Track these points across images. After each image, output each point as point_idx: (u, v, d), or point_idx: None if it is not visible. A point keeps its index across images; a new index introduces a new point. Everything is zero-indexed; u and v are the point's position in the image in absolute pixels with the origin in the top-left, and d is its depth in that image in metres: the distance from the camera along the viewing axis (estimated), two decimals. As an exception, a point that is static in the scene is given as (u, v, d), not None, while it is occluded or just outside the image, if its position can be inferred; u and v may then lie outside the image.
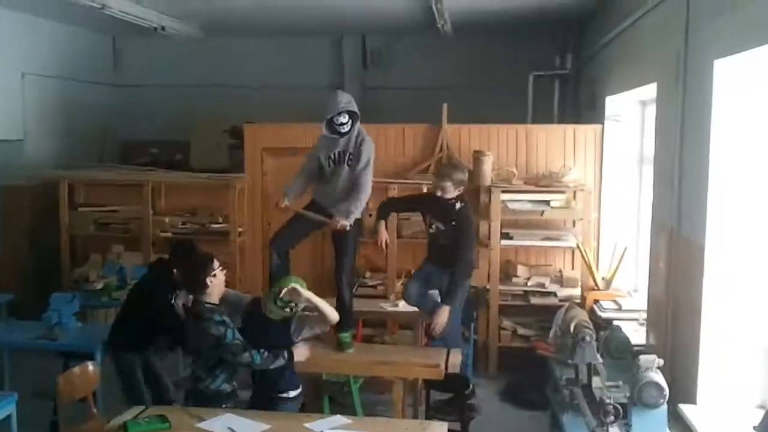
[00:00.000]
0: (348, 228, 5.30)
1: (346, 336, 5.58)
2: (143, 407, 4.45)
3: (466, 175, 5.85)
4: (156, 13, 8.11)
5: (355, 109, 5.47)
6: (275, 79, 10.32)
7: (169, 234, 8.18)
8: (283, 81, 10.22)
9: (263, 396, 4.64)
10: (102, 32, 10.46)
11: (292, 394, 4.67)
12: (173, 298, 5.41)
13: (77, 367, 5.09)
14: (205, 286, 4.47)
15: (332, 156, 5.51)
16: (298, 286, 4.56)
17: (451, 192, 5.64)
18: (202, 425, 4.11)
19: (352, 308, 5.65)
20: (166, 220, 8.18)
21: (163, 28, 8.34)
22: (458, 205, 5.68)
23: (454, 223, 5.66)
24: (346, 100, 5.46)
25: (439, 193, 5.65)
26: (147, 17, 7.94)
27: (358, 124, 5.49)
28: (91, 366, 5.14)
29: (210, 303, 4.49)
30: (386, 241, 5.92)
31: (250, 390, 4.78)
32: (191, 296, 4.73)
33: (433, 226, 5.80)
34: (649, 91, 6.00)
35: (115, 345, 5.45)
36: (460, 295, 5.70)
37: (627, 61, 6.76)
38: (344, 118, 5.41)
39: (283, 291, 4.55)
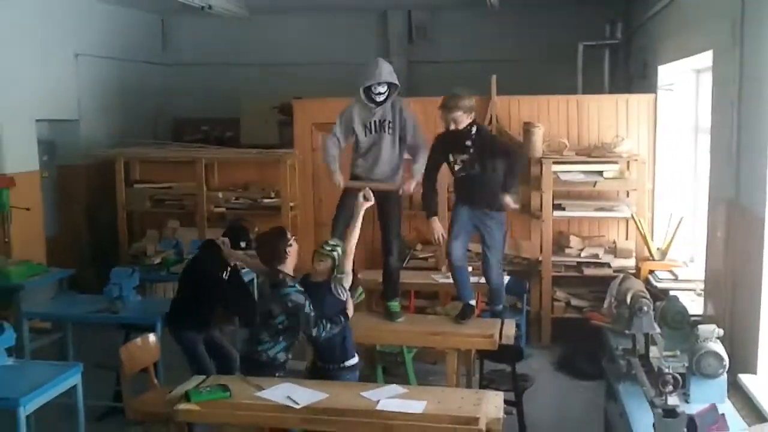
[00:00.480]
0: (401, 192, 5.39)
1: (395, 305, 5.61)
2: (204, 377, 4.55)
3: (474, 99, 5.46)
4: (203, -9, 8.18)
5: (395, 80, 5.43)
6: (321, 56, 10.32)
7: (222, 209, 8.28)
8: (330, 57, 10.21)
9: (322, 367, 4.70)
10: (151, 12, 10.57)
11: (350, 362, 4.72)
12: (223, 274, 5.52)
13: (138, 338, 5.22)
14: (285, 255, 4.58)
15: (368, 125, 5.47)
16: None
17: (464, 121, 5.31)
18: (261, 394, 4.19)
19: (399, 276, 5.68)
20: (220, 195, 8.28)
21: (209, 7, 8.38)
22: (474, 129, 5.37)
23: (477, 147, 5.34)
24: (387, 70, 5.41)
25: (452, 127, 5.34)
26: (195, -5, 8.01)
27: (395, 95, 5.46)
28: (151, 338, 5.26)
29: (289, 274, 4.61)
30: (443, 235, 5.61)
31: (302, 361, 4.86)
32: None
33: (458, 161, 5.44)
34: (704, 59, 5.87)
35: (174, 324, 5.55)
36: (516, 183, 5.60)
37: (680, 29, 6.61)
38: (383, 88, 5.38)
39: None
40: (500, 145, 5.70)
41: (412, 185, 5.46)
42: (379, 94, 5.39)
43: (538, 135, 7.36)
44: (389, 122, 5.45)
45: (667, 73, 7.24)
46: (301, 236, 8.05)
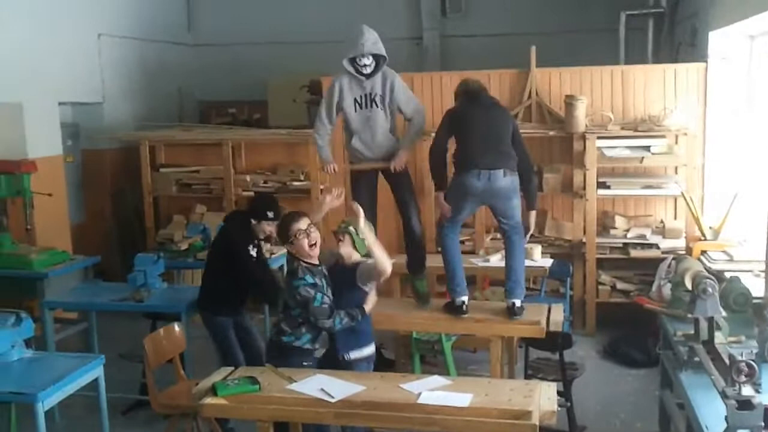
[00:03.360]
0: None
1: (422, 284, 5.34)
2: (232, 368, 4.28)
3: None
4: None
5: (382, 51, 5.15)
6: (350, 32, 9.98)
7: (251, 193, 8.02)
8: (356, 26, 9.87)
9: (334, 356, 4.45)
10: (176, -9, 10.34)
11: (366, 352, 4.47)
12: (252, 249, 5.21)
13: (163, 328, 4.99)
14: (292, 239, 4.28)
15: (359, 99, 5.22)
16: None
17: None
18: (292, 387, 3.93)
19: (424, 244, 5.41)
20: (248, 178, 8.02)
21: (237, -18, 8.11)
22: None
23: None
24: (372, 40, 5.12)
25: None
26: (220, -30, 7.73)
27: (384, 66, 5.19)
28: (177, 328, 5.04)
29: (307, 262, 4.31)
30: (450, 210, 5.17)
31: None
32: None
33: None
34: (760, 22, 5.45)
35: (204, 308, 5.28)
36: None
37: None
38: (368, 60, 5.11)
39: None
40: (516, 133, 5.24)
41: (401, 161, 5.22)
42: (365, 66, 5.13)
43: (581, 108, 6.97)
44: (380, 95, 5.21)
45: (719, 39, 6.80)
46: (332, 220, 7.75)
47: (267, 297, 5.23)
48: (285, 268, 4.76)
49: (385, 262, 4.38)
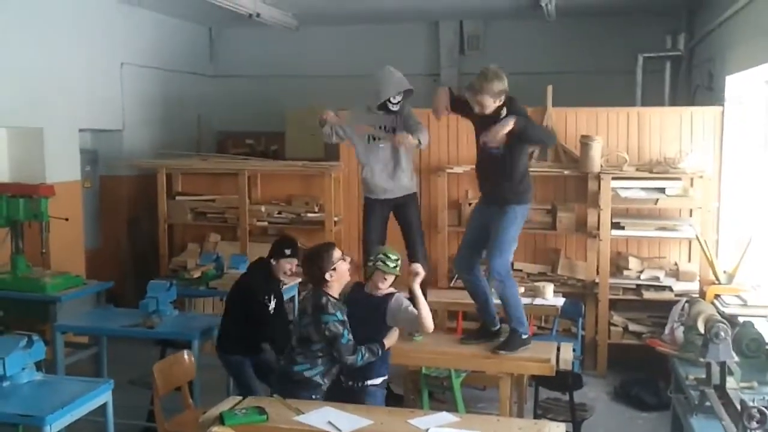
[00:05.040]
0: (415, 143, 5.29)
1: None
2: (240, 398, 4.27)
3: (505, 82, 4.72)
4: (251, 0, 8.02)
5: (409, 86, 5.34)
6: (370, 68, 9.99)
7: (265, 223, 8.09)
8: (382, 68, 9.96)
9: (343, 383, 4.45)
10: (198, 23, 10.47)
11: (375, 381, 4.47)
12: (270, 300, 5.28)
13: (172, 356, 4.99)
14: (323, 280, 4.33)
15: (377, 128, 5.38)
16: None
17: (491, 106, 4.72)
18: (300, 418, 3.91)
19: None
20: (263, 209, 8.06)
21: (258, 15, 8.22)
22: (503, 113, 4.73)
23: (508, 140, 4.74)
24: (400, 78, 5.32)
25: (477, 110, 4.77)
26: (243, 3, 7.84)
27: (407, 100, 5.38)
28: (186, 355, 5.03)
29: (335, 297, 4.34)
30: (447, 107, 5.03)
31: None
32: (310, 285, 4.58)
33: (485, 150, 4.88)
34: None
35: (222, 348, 5.32)
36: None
37: (752, 37, 6.20)
38: (400, 97, 5.30)
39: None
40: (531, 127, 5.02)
41: (406, 138, 5.20)
42: (396, 103, 5.30)
43: (596, 149, 6.99)
44: (393, 129, 5.34)
45: (736, 83, 6.81)
46: (345, 250, 7.77)
47: (277, 348, 5.23)
48: (298, 302, 4.79)
49: (430, 323, 4.42)
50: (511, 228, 4.86)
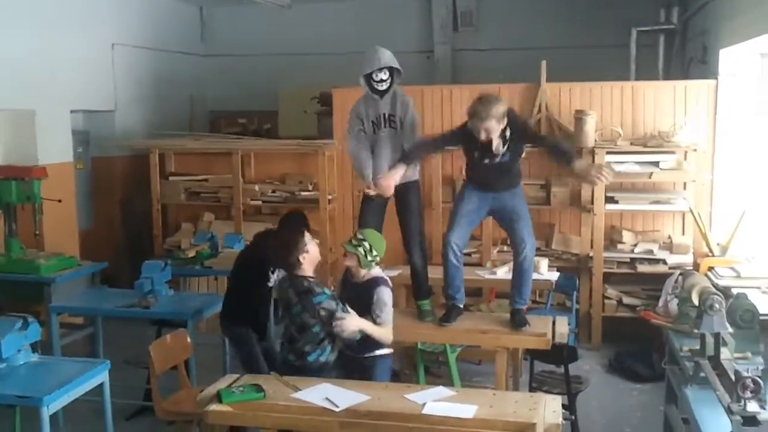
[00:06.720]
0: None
1: (425, 303, 5.27)
2: (237, 376, 4.28)
3: (504, 104, 4.74)
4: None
5: (397, 65, 5.12)
6: (363, 45, 9.95)
7: (259, 202, 8.07)
8: (371, 46, 9.91)
9: (350, 355, 4.48)
10: (189, 2, 10.40)
11: (381, 351, 4.50)
12: (274, 272, 5.20)
13: (168, 335, 4.99)
14: (297, 264, 4.34)
15: (375, 120, 5.18)
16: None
17: (498, 129, 4.70)
18: (298, 395, 3.92)
19: (426, 275, 5.32)
20: (256, 188, 8.04)
21: (249, -6, 8.17)
22: (508, 133, 4.75)
23: (511, 141, 4.79)
24: (388, 56, 5.09)
25: (483, 137, 4.70)
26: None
27: (397, 84, 5.16)
28: (183, 334, 5.03)
29: (311, 277, 4.35)
30: (385, 187, 4.97)
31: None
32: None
33: (485, 161, 4.87)
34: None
35: (225, 317, 5.29)
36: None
37: (746, 10, 6.18)
38: (385, 75, 5.07)
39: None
40: (529, 131, 5.33)
41: (386, 178, 5.01)
42: (381, 81, 5.08)
43: (590, 123, 6.98)
44: (391, 116, 5.17)
45: (730, 57, 6.79)
46: (339, 229, 7.81)
47: (260, 330, 5.24)
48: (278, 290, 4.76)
49: (387, 341, 4.46)
50: (526, 205, 5.05)
